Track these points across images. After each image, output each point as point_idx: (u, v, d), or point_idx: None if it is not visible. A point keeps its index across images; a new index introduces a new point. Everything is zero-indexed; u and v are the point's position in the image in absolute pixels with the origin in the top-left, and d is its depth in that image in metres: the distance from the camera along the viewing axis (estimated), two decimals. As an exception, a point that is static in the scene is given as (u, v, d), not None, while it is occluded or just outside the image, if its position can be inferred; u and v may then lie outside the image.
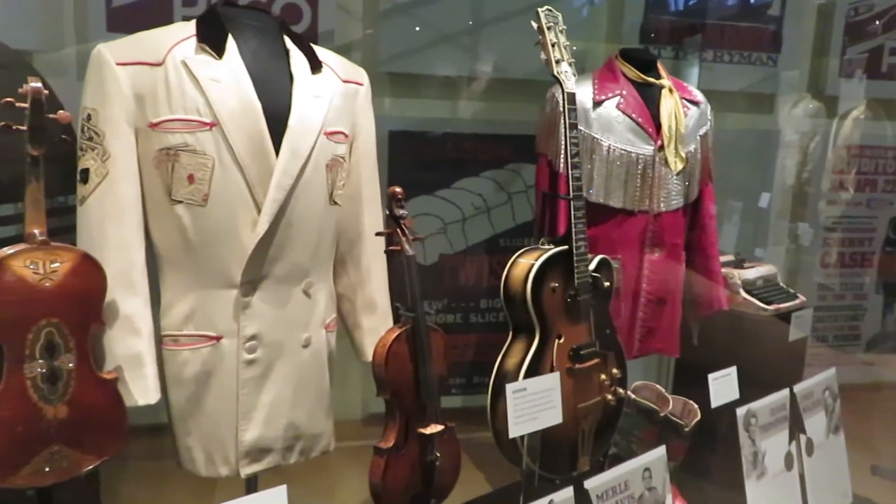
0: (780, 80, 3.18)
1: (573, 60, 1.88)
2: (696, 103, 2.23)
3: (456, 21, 2.75)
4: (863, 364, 3.57)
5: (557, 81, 1.84)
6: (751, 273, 2.55)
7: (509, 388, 1.54)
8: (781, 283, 2.65)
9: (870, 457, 2.77)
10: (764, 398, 2.20)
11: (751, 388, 2.30)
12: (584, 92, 2.12)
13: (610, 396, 1.93)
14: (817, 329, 3.53)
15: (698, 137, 2.22)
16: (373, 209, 1.67)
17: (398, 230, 1.49)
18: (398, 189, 1.51)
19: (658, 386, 2.16)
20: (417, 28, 2.70)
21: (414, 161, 2.78)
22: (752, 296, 2.47)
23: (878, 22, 3.26)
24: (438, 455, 1.50)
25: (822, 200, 3.46)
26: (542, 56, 1.84)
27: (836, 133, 3.43)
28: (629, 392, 2.08)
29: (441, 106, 2.81)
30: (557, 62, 1.83)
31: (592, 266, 1.88)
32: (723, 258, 2.71)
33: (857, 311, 3.56)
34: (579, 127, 2.09)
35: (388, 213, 1.51)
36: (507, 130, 2.81)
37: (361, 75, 1.66)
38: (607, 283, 1.91)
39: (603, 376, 1.90)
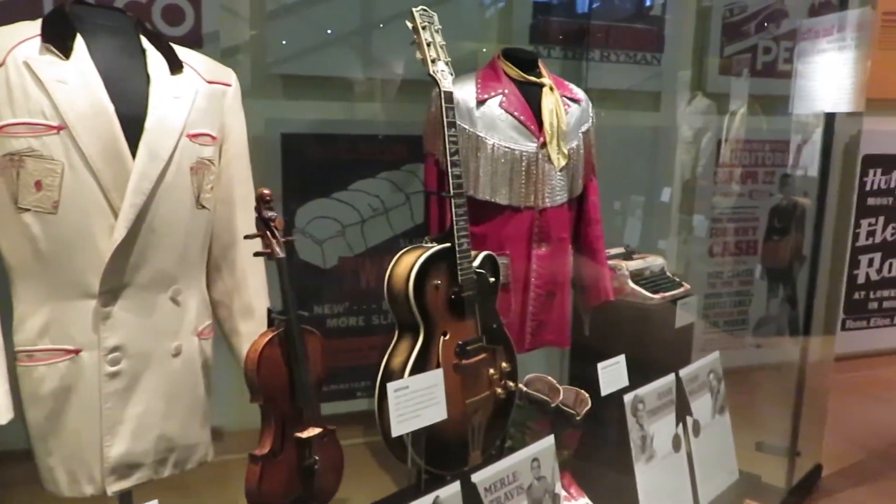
0: (664, 78, 3.32)
1: (449, 59, 1.90)
2: (576, 101, 2.29)
3: (346, 21, 2.74)
4: (750, 347, 3.77)
5: (434, 81, 1.85)
6: (638, 264, 2.64)
7: (390, 386, 1.54)
8: (668, 273, 2.76)
9: (756, 433, 2.93)
10: (651, 383, 2.29)
11: (642, 375, 2.39)
12: (467, 91, 2.14)
13: (500, 390, 1.96)
14: (709, 315, 3.70)
15: (580, 134, 2.29)
16: (247, 212, 1.63)
17: (268, 233, 1.46)
18: (266, 191, 1.49)
19: (549, 378, 2.21)
20: (306, 29, 2.67)
21: (308, 163, 2.75)
22: (640, 286, 2.56)
23: (751, 23, 3.45)
24: (317, 459, 1.48)
25: (716, 194, 3.63)
26: (418, 55, 1.85)
27: (728, 129, 3.61)
28: (521, 385, 2.12)
29: (334, 107, 2.78)
30: (433, 61, 1.85)
31: (477, 262, 1.91)
32: (613, 251, 2.81)
33: (744, 296, 3.75)
34: (464, 126, 2.12)
35: (257, 215, 1.49)
36: (401, 131, 2.82)
37: (229, 76, 1.62)
38: (492, 279, 1.94)
39: (492, 370, 1.93)
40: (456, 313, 1.84)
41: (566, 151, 2.20)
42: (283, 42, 2.66)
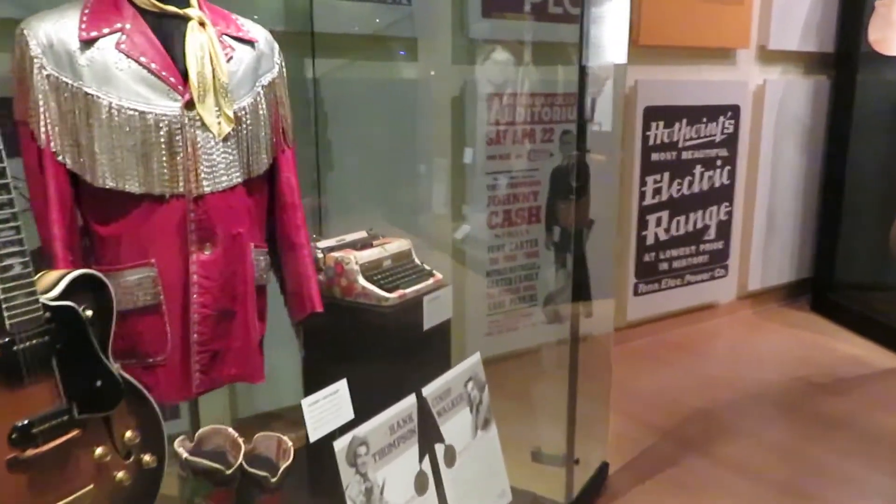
0: (415, 21, 2.76)
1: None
2: (247, 42, 1.65)
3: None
4: (541, 325, 3.41)
5: None
6: (373, 254, 2.08)
7: None
8: (417, 261, 2.23)
9: (534, 438, 2.53)
10: (377, 417, 1.75)
11: (390, 396, 1.86)
12: (65, 27, 1.44)
13: (122, 474, 1.31)
14: (492, 295, 3.27)
15: (259, 88, 1.65)
16: None
17: None
18: None
19: (229, 430, 1.60)
20: None
21: None
22: (374, 282, 2.01)
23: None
24: None
25: (495, 157, 3.16)
26: None
27: (503, 82, 3.14)
28: (180, 448, 1.50)
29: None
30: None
31: (56, 292, 1.23)
32: (351, 236, 2.24)
33: (530, 269, 3.36)
34: (65, 79, 1.42)
35: None
36: None
37: None
38: (89, 312, 1.27)
39: (99, 451, 1.28)
40: (8, 379, 1.16)
41: (231, 113, 1.56)
42: None
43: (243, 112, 1.60)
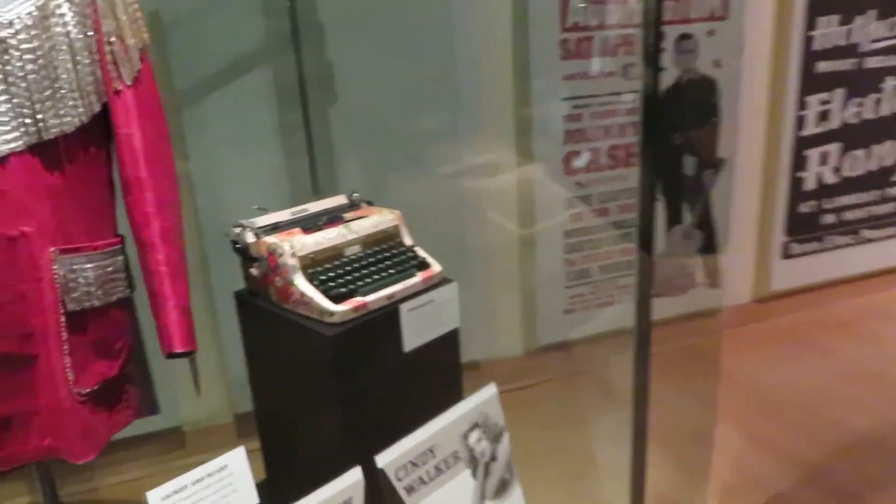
0: None
1: None
2: None
3: None
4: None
5: None
6: (325, 238, 1.39)
7: None
8: (407, 245, 1.51)
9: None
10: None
11: (333, 462, 1.22)
12: None
13: None
14: (573, 262, 2.47)
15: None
16: None
17: None
18: None
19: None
20: None
21: None
22: (319, 284, 1.33)
23: None
24: None
25: (573, 76, 2.30)
26: None
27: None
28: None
29: None
30: None
31: None
32: (320, 204, 1.56)
33: (629, 228, 2.51)
34: None
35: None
36: None
37: None
38: None
39: None
40: None
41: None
42: None
43: (11, 31, 0.94)
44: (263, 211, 1.48)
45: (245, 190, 1.92)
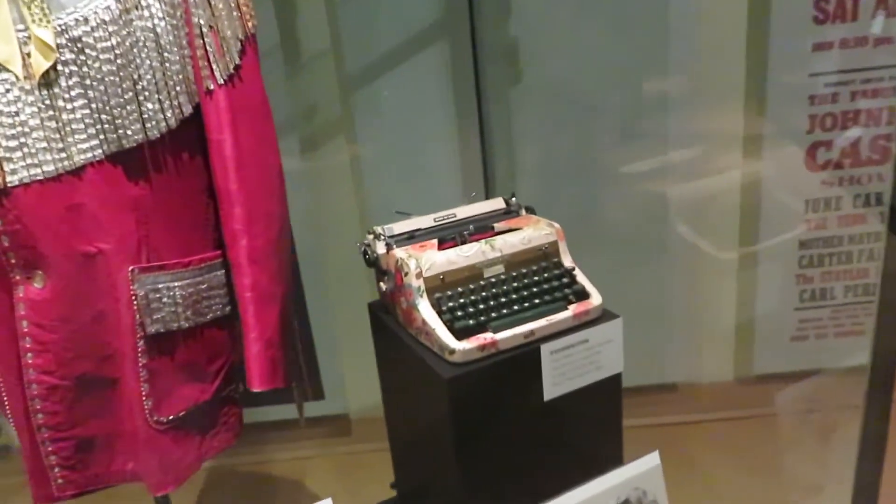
0: None
1: None
2: None
3: None
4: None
5: None
6: (461, 255, 1.17)
7: None
8: (566, 262, 1.23)
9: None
10: None
11: None
12: None
13: None
14: (808, 279, 1.98)
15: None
16: None
17: None
18: None
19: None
20: None
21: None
22: (445, 312, 1.12)
23: None
24: None
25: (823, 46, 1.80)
26: None
27: None
28: None
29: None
30: None
31: None
32: (473, 208, 1.35)
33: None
34: None
35: None
36: None
37: None
38: None
39: None
40: None
41: (48, 37, 0.83)
42: None
43: (87, 29, 0.84)
44: (405, 215, 1.30)
45: (413, 183, 1.78)
